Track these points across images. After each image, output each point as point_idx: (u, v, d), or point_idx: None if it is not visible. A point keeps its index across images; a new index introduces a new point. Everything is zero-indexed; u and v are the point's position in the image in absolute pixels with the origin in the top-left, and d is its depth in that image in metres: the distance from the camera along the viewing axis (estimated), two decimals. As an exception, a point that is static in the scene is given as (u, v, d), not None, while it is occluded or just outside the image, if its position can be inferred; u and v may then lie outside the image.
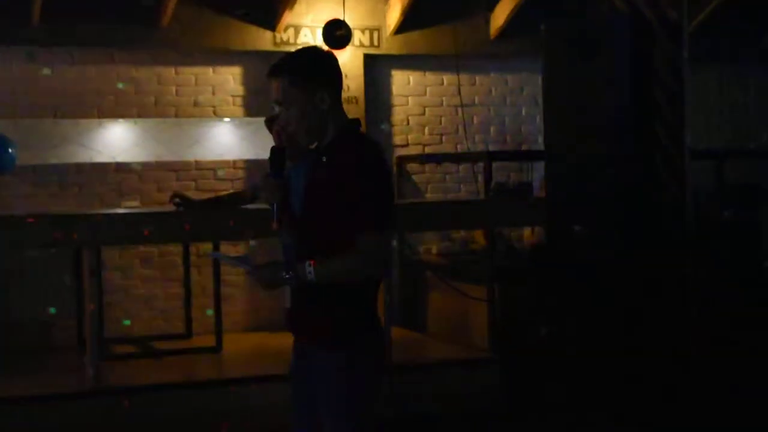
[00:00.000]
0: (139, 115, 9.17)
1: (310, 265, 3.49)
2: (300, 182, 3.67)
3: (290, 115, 3.58)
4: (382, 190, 3.51)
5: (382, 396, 3.72)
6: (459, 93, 9.85)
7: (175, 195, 5.59)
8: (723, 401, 7.25)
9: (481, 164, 8.93)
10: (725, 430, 6.82)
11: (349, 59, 9.32)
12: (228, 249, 8.62)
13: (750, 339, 7.75)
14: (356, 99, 9.29)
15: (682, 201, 7.03)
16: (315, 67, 3.60)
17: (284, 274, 3.52)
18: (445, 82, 10.07)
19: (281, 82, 3.58)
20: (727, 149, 9.94)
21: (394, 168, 9.63)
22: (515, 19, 9.60)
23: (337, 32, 9.11)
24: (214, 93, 9.37)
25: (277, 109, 3.63)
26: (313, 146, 3.65)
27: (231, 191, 7.37)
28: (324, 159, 3.59)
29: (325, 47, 9.08)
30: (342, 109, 3.66)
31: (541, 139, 8.10)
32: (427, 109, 10.04)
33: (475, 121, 10.18)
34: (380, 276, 3.57)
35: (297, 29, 9.27)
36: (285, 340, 6.99)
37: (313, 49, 3.77)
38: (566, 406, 6.98)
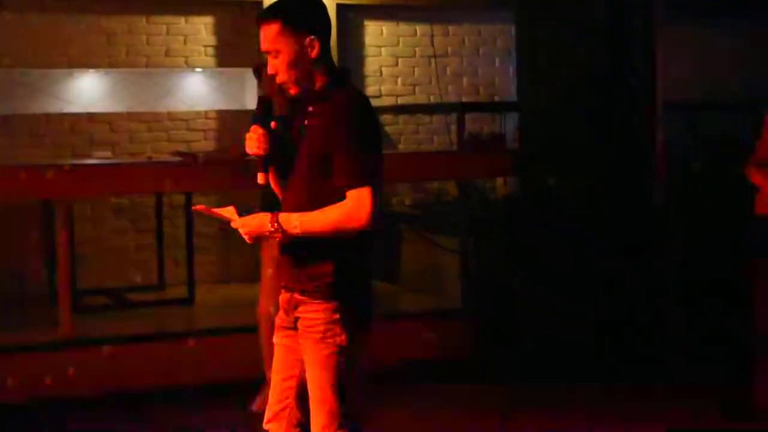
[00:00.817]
0: (110, 65, 9.10)
1: (295, 218, 3.48)
2: (288, 134, 3.65)
3: (278, 62, 3.53)
4: (368, 142, 3.48)
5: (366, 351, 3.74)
6: (432, 43, 9.81)
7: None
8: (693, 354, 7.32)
9: (454, 115, 8.91)
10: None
11: (321, 9, 9.24)
12: (201, 201, 8.60)
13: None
14: (329, 49, 9.22)
15: (655, 151, 7.07)
16: (305, 13, 3.56)
17: (270, 226, 3.50)
18: (418, 32, 10.02)
19: (270, 29, 3.52)
20: (701, 101, 9.95)
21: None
22: (489, -31, 9.57)
23: (309, -18, 9.02)
24: (185, 43, 9.30)
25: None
26: (301, 95, 3.60)
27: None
28: (311, 109, 3.57)
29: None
30: (331, 58, 3.61)
31: (513, 91, 8.09)
32: (400, 59, 10.00)
33: (448, 71, 10.16)
34: (369, 228, 3.50)
35: (269, -21, 9.19)
36: (257, 292, 6.99)
37: None
38: (536, 356, 7.04)
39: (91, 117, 9.05)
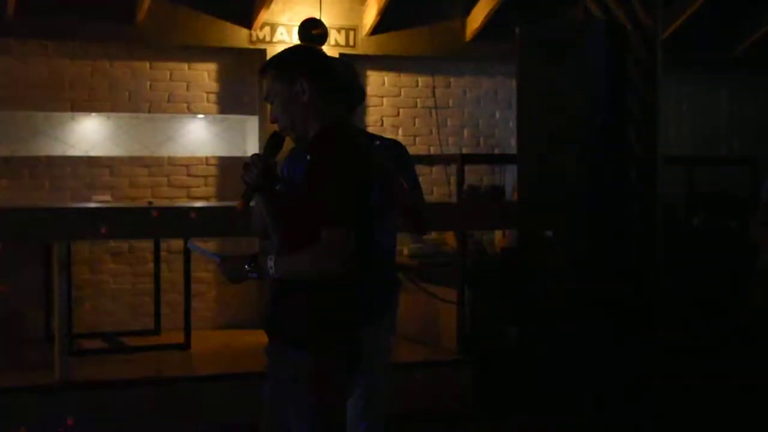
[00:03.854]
0: (113, 110, 9.14)
1: (271, 258, 3.51)
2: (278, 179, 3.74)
3: (275, 108, 3.63)
4: (348, 186, 3.49)
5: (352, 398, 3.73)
6: (433, 95, 9.86)
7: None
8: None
9: (453, 166, 8.93)
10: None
11: (324, 59, 9.31)
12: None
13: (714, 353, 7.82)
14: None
15: (653, 207, 7.08)
16: (295, 59, 3.65)
17: (247, 267, 3.53)
18: (419, 83, 10.09)
19: (267, 78, 3.64)
20: (698, 156, 10.00)
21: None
22: (491, 22, 9.63)
23: (313, 31, 9.10)
24: (188, 89, 9.35)
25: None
26: (301, 142, 3.67)
27: None
28: (309, 157, 3.61)
29: (315, 46, 9.08)
30: (329, 106, 3.65)
31: (514, 143, 8.12)
32: (401, 110, 10.06)
33: (448, 123, 10.21)
34: (345, 273, 3.50)
35: (273, 27, 9.26)
36: (253, 338, 6.99)
37: (300, 46, 3.87)
38: (534, 409, 7.01)
39: (91, 160, 9.07)
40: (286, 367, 3.60)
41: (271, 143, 3.70)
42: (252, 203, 3.72)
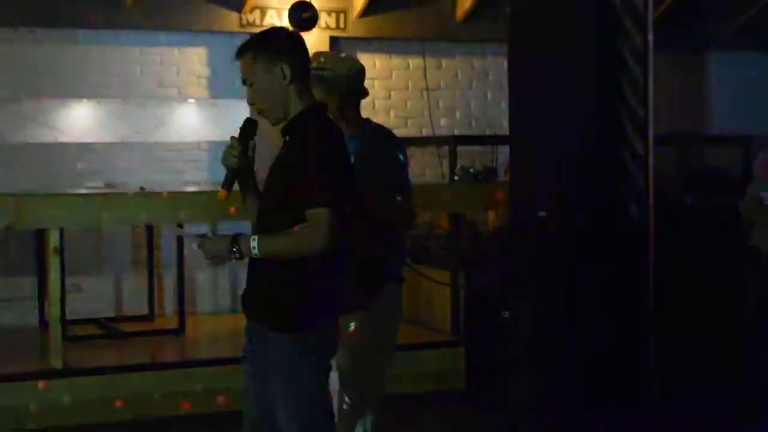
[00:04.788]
0: (103, 95, 9.11)
1: (254, 239, 3.51)
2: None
3: (254, 90, 3.65)
4: (331, 167, 3.52)
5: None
6: (425, 77, 9.85)
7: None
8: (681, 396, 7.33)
9: (446, 148, 8.94)
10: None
11: (315, 42, 9.29)
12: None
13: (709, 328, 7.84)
14: (322, 81, 9.26)
15: (645, 186, 7.09)
16: (275, 42, 3.68)
17: (230, 248, 3.53)
18: (411, 65, 10.07)
19: (245, 60, 3.66)
20: (690, 135, 10.00)
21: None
22: (482, 3, 9.62)
23: (303, 14, 9.06)
24: (178, 74, 9.33)
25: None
26: (279, 125, 3.69)
27: None
28: (287, 138, 3.65)
29: (291, 29, 9.06)
30: (308, 90, 3.70)
31: (506, 124, 8.11)
32: (392, 92, 10.05)
33: (440, 105, 10.20)
34: (330, 252, 3.51)
35: (263, 11, 9.24)
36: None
37: (277, 28, 3.90)
38: (527, 390, 7.03)
39: (82, 146, 9.05)
40: (266, 347, 3.62)
41: (246, 127, 3.74)
42: (234, 188, 3.75)
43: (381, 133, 4.64)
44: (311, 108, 3.67)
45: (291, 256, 3.51)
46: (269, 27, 3.84)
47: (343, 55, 5.14)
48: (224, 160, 3.70)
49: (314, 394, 3.60)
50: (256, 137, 3.77)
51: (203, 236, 3.66)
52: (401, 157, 4.56)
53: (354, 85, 4.57)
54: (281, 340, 3.57)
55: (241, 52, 3.68)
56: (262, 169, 3.77)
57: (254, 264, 3.64)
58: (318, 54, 4.59)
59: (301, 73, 3.67)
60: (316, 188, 3.46)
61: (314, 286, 3.57)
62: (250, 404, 3.75)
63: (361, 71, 4.64)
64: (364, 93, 4.67)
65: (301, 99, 3.66)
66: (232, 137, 3.73)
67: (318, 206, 3.45)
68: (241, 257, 3.54)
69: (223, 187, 3.69)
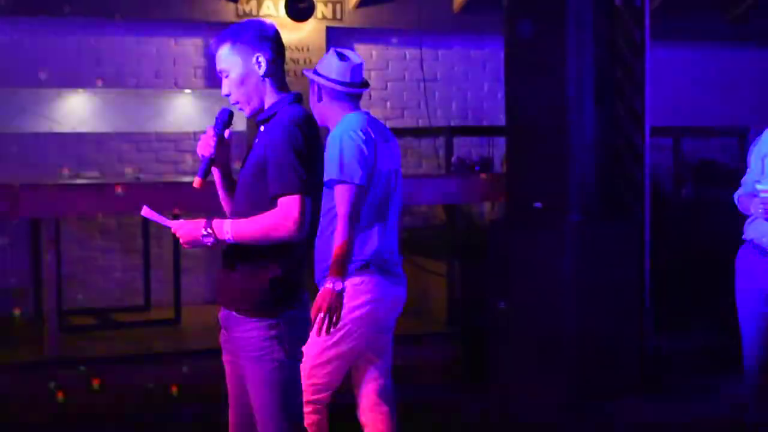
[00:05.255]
0: (100, 86, 9.10)
1: (227, 223, 3.55)
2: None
3: (230, 81, 3.69)
4: (301, 155, 3.54)
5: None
6: (421, 67, 9.84)
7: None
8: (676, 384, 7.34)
9: (442, 139, 8.94)
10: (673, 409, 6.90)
11: (311, 32, 9.29)
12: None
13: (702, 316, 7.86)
14: (318, 72, 9.25)
15: (641, 177, 7.09)
16: (251, 34, 3.71)
17: (203, 231, 3.55)
18: (407, 56, 10.06)
19: (220, 52, 3.70)
20: (686, 127, 10.01)
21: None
22: (479, -6, 9.62)
23: (299, 4, 9.07)
24: (175, 64, 9.32)
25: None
26: (254, 115, 3.73)
27: None
28: (262, 129, 3.70)
29: (288, 19, 9.05)
30: (284, 81, 3.75)
31: (502, 115, 8.11)
32: (389, 83, 10.04)
33: (437, 96, 10.19)
34: (300, 238, 3.54)
35: (260, 1, 9.23)
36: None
37: (252, 20, 3.87)
38: (521, 380, 7.04)
39: (79, 137, 9.04)
40: (239, 335, 3.65)
41: (222, 117, 3.76)
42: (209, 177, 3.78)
43: None
44: (286, 98, 3.71)
45: (262, 241, 3.53)
46: (245, 20, 3.87)
47: None
48: (200, 149, 3.73)
49: (285, 381, 3.63)
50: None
51: (178, 222, 3.67)
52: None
53: None
54: (251, 326, 3.61)
55: (217, 44, 3.72)
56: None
57: (227, 251, 3.67)
58: None
59: (276, 64, 3.71)
60: (289, 175, 3.50)
61: (284, 272, 3.61)
62: (232, 392, 3.80)
63: None
64: None
65: (276, 90, 3.71)
66: (209, 126, 3.77)
67: (290, 194, 3.48)
68: (215, 241, 3.56)
69: (198, 175, 3.73)
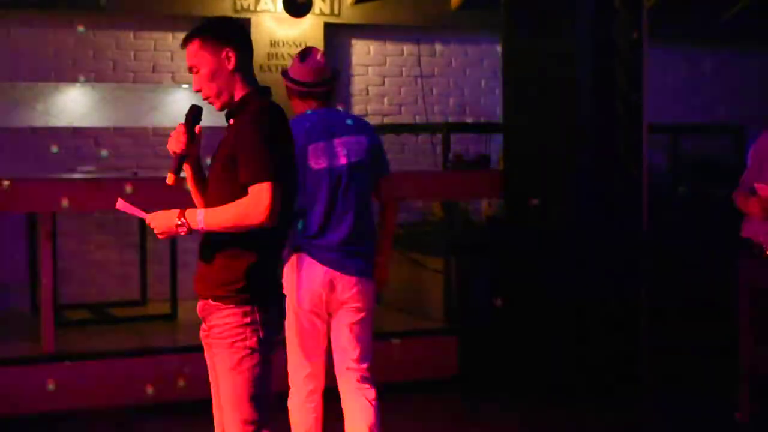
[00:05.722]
0: (97, 80, 9.09)
1: (200, 212, 3.60)
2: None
3: (200, 77, 3.77)
4: (272, 143, 3.60)
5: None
6: (419, 63, 9.84)
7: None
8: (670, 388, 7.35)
9: (439, 135, 8.93)
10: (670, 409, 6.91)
11: (309, 28, 9.29)
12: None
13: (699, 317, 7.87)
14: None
15: (639, 175, 7.09)
16: (219, 30, 3.78)
17: (176, 221, 3.60)
18: (405, 52, 10.06)
19: (191, 48, 3.77)
20: (684, 125, 10.00)
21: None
22: (476, -10, 9.61)
23: (297, 0, 9.06)
24: (172, 59, 9.31)
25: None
26: (224, 109, 3.80)
27: None
28: (232, 122, 3.76)
29: (285, 15, 9.04)
30: (252, 75, 3.82)
31: (499, 112, 8.11)
32: (386, 79, 10.03)
33: (434, 92, 10.19)
34: (271, 226, 3.57)
35: (257, -4, 9.22)
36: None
37: (220, 17, 4.01)
38: (518, 377, 7.04)
39: (76, 131, 9.03)
40: (215, 322, 3.70)
41: (191, 113, 3.83)
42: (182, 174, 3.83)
43: None
44: (255, 91, 3.77)
45: (234, 229, 3.58)
46: (214, 17, 3.94)
47: None
48: (171, 146, 3.79)
49: (254, 369, 3.65)
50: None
51: (152, 212, 3.71)
52: None
53: None
54: (226, 313, 3.65)
55: (187, 40, 3.78)
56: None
57: (203, 241, 3.73)
58: None
59: (245, 58, 3.78)
60: (259, 163, 3.54)
61: (259, 260, 3.66)
62: (214, 388, 3.86)
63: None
64: None
65: (245, 84, 3.76)
66: (180, 124, 3.82)
67: (260, 181, 3.53)
68: (188, 230, 3.60)
69: (171, 171, 3.77)
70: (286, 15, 9.08)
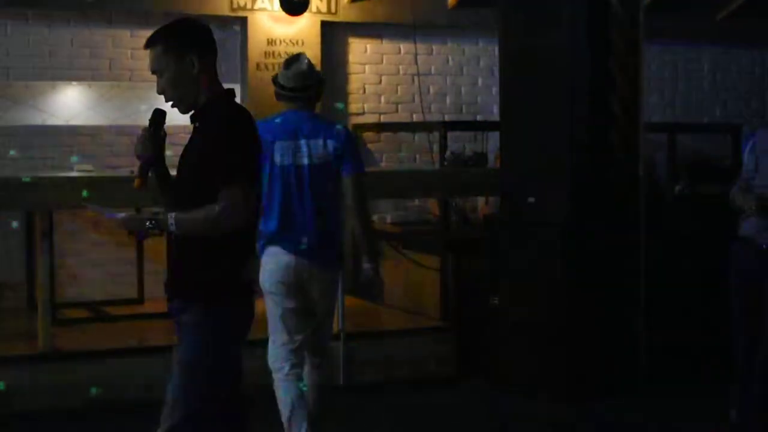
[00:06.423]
0: (94, 79, 9.08)
1: (171, 215, 3.60)
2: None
3: (164, 81, 3.75)
4: (240, 146, 3.62)
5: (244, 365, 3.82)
6: (416, 62, 9.83)
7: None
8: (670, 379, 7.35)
9: (436, 134, 8.93)
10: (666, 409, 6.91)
11: (306, 26, 9.28)
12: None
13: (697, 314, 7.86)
14: (313, 66, 9.23)
15: (635, 173, 7.10)
16: (183, 34, 3.80)
17: (148, 223, 3.62)
18: (402, 50, 10.05)
19: (154, 52, 3.78)
20: (680, 123, 10.02)
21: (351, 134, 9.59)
22: (474, -12, 9.60)
23: (294, -2, 9.06)
24: (170, 57, 9.28)
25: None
26: (188, 112, 3.80)
27: None
28: (197, 125, 3.76)
29: (282, 13, 9.03)
30: (216, 78, 3.82)
31: (496, 110, 8.11)
32: (383, 77, 10.02)
33: (431, 90, 10.18)
34: (242, 228, 3.61)
35: (254, -6, 9.21)
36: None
37: (184, 19, 3.98)
38: (516, 374, 7.04)
39: (73, 129, 9.02)
40: (183, 322, 3.73)
41: (156, 117, 3.83)
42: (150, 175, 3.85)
43: None
44: (220, 94, 3.77)
45: (205, 232, 3.60)
46: (178, 18, 3.92)
47: None
48: (137, 150, 3.80)
49: (207, 368, 3.66)
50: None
51: (125, 215, 3.73)
52: None
53: None
54: (192, 312, 3.67)
55: (150, 44, 3.79)
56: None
57: (174, 243, 3.74)
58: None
59: (209, 62, 3.78)
60: (228, 168, 3.56)
61: (229, 262, 3.67)
62: None
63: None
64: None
65: (210, 87, 3.76)
66: (144, 128, 3.83)
67: (231, 185, 3.54)
68: (160, 232, 3.63)
69: (137, 176, 3.79)
70: (283, 13, 9.07)
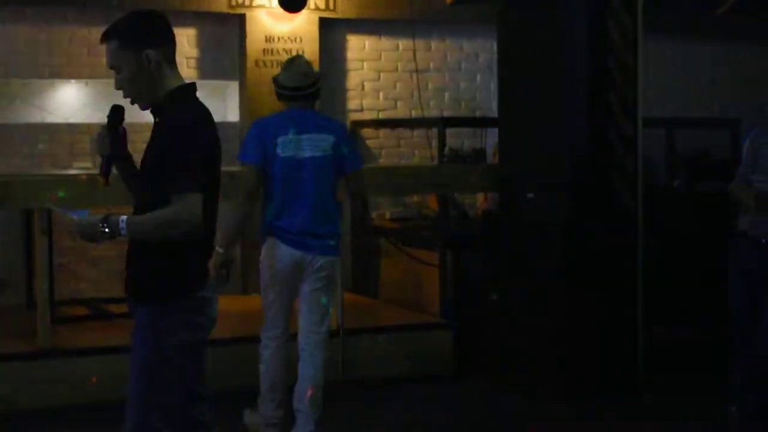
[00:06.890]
0: (92, 76, 9.08)
1: (122, 219, 3.59)
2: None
3: (122, 77, 3.68)
4: (193, 151, 3.56)
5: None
6: (414, 58, 9.82)
7: None
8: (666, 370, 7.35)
9: (435, 130, 8.93)
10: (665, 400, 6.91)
11: (304, 23, 9.27)
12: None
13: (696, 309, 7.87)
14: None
15: (633, 168, 7.10)
16: (139, 28, 3.70)
17: (100, 226, 3.59)
18: (400, 47, 10.04)
19: (109, 47, 3.68)
20: (679, 118, 10.01)
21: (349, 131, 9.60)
22: (472, -15, 9.59)
23: (293, -5, 9.05)
24: (168, 54, 9.28)
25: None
26: (148, 108, 3.76)
27: None
28: (157, 120, 3.73)
29: (281, 10, 9.02)
30: (175, 71, 3.76)
31: (495, 106, 8.11)
32: (382, 74, 10.02)
33: (429, 86, 10.18)
34: (196, 234, 3.58)
35: (252, -9, 9.21)
36: (235, 304, 6.98)
37: (141, 12, 3.86)
38: (514, 370, 7.05)
39: (71, 127, 9.02)
40: (137, 323, 3.75)
41: (114, 113, 3.81)
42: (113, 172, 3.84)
43: None
44: (179, 89, 3.71)
45: (157, 237, 3.59)
46: (134, 11, 3.86)
47: None
48: (98, 150, 3.79)
49: (161, 370, 3.66)
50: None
51: (78, 216, 3.70)
52: None
53: None
54: (145, 312, 3.69)
55: (105, 38, 3.69)
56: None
57: (129, 244, 3.77)
58: None
59: (167, 56, 3.70)
60: (184, 174, 3.52)
61: (181, 264, 3.65)
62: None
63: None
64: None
65: (169, 81, 3.70)
66: (102, 126, 3.81)
67: (185, 191, 3.51)
68: (112, 235, 3.61)
69: (99, 174, 3.79)
70: (281, 10, 9.06)
